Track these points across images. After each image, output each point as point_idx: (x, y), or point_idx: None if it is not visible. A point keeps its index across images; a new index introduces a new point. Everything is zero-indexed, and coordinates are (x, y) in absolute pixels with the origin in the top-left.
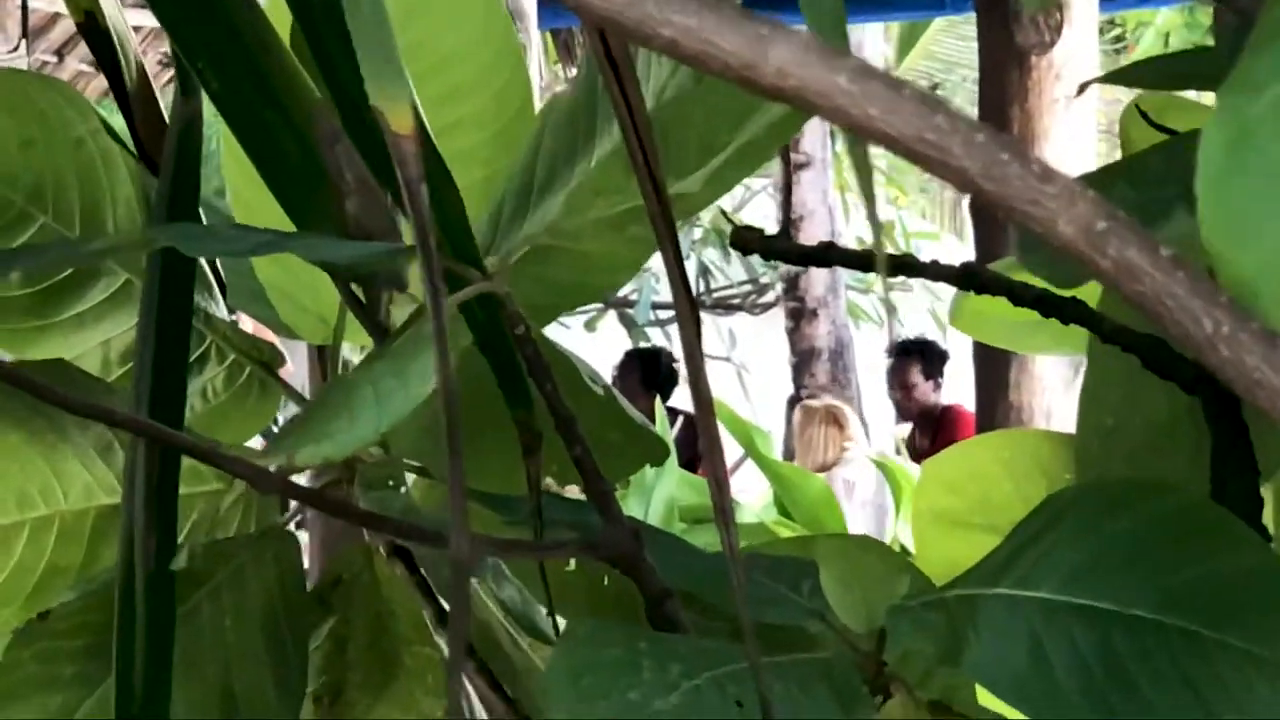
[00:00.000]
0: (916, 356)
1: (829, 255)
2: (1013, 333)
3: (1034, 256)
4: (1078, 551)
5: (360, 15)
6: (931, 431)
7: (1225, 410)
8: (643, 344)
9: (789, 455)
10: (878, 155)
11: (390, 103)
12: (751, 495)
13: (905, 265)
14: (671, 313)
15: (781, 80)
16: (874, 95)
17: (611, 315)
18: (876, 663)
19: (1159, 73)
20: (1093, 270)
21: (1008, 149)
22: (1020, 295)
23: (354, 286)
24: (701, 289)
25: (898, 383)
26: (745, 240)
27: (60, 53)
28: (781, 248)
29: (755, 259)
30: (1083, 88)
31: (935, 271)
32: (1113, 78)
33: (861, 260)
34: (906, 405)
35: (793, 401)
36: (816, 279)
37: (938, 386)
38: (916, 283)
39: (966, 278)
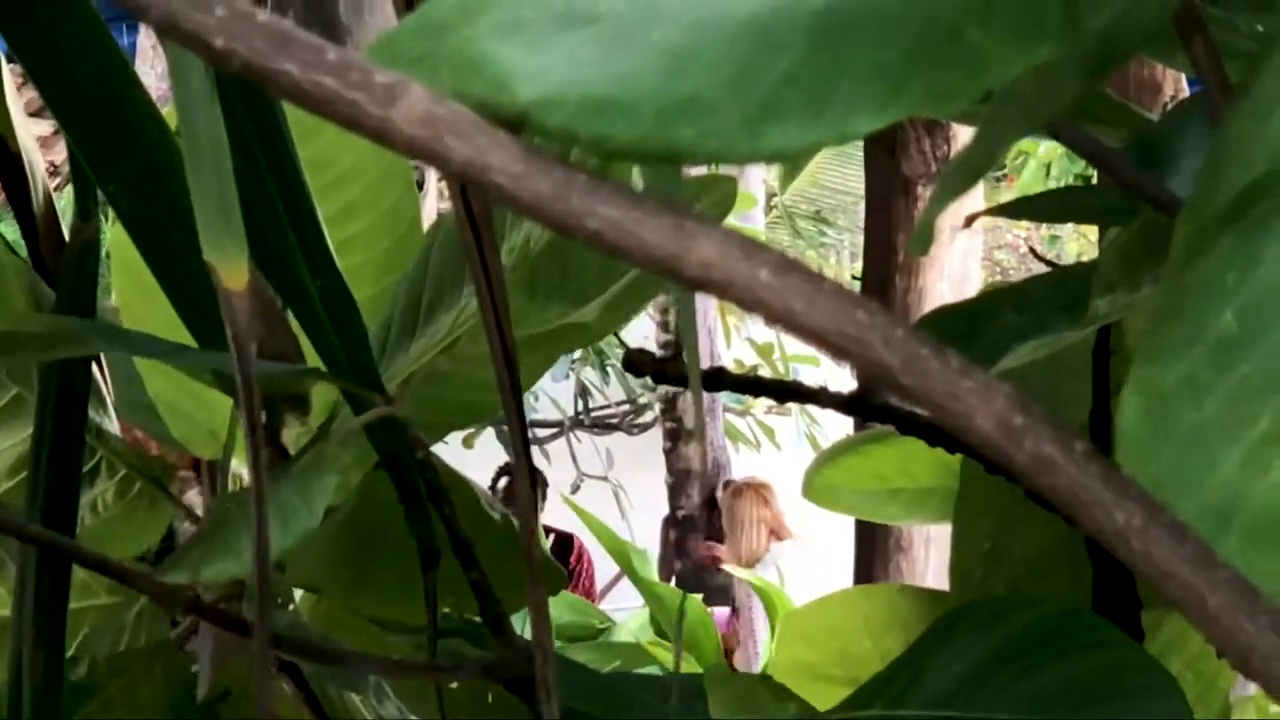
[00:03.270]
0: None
1: (720, 379)
2: (865, 503)
3: None
4: (950, 667)
5: (200, 168)
6: None
7: None
8: None
9: (665, 575)
10: None
11: (223, 259)
12: (626, 614)
13: (794, 391)
14: (548, 431)
15: (705, 273)
16: (795, 289)
17: (489, 432)
18: None
19: (1044, 207)
20: (1008, 463)
21: (926, 344)
22: (908, 423)
23: None
24: (580, 408)
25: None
26: (638, 363)
27: None
28: (674, 371)
29: (633, 379)
30: (970, 220)
31: (824, 398)
32: (1001, 211)
33: (752, 385)
34: None
35: (668, 522)
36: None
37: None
38: (794, 407)
39: (855, 405)
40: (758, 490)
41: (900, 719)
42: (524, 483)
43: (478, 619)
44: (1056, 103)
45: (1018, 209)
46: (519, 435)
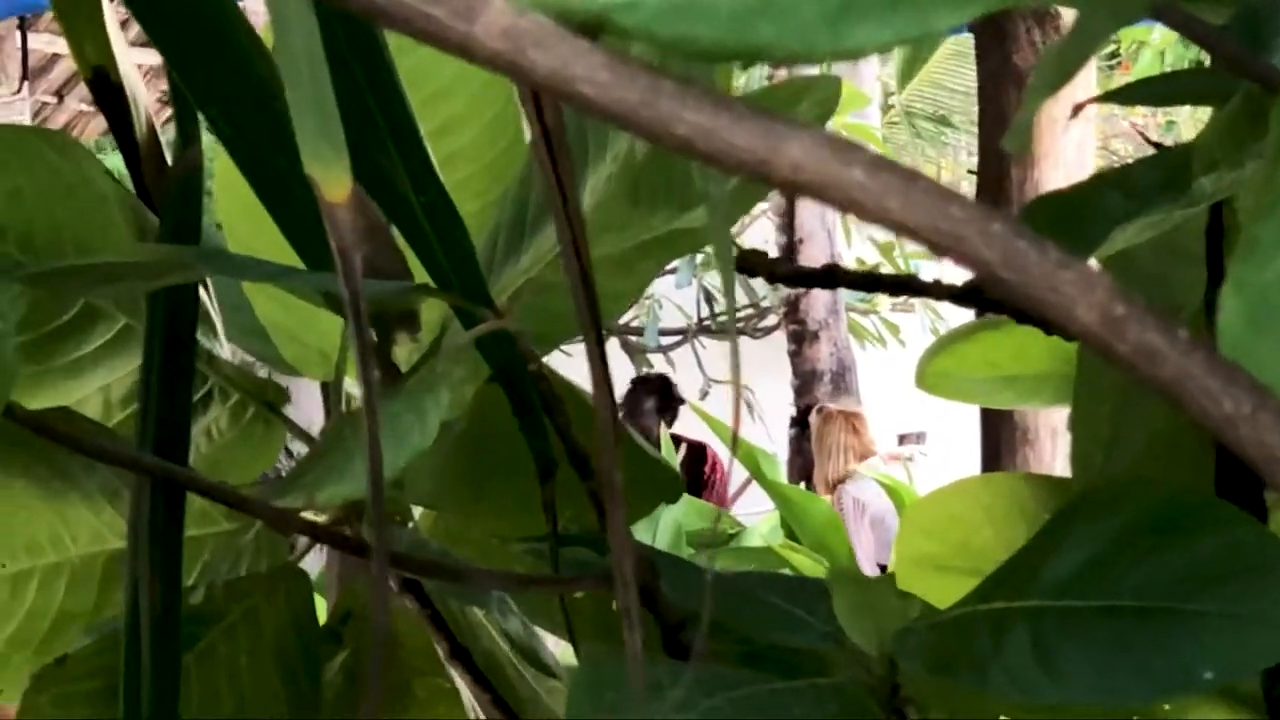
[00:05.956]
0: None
1: (832, 277)
2: (979, 390)
3: None
4: (1071, 556)
5: (296, 77)
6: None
7: None
8: (646, 370)
9: (795, 478)
10: None
11: (324, 170)
12: (757, 518)
13: (907, 285)
14: (674, 339)
15: (796, 175)
16: (889, 188)
17: (614, 342)
18: (889, 685)
19: (1155, 90)
20: (1111, 355)
21: (1024, 237)
22: (1023, 312)
23: None
24: (705, 313)
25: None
26: (750, 263)
27: (60, 94)
28: (785, 270)
29: (757, 282)
30: (1078, 109)
31: (938, 290)
32: (1110, 97)
33: (864, 281)
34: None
35: (794, 423)
36: (817, 301)
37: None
38: (918, 303)
39: (969, 295)
40: (848, 418)
41: (1021, 611)
42: (604, 400)
43: (598, 530)
44: None
45: (1125, 94)
46: (597, 351)
